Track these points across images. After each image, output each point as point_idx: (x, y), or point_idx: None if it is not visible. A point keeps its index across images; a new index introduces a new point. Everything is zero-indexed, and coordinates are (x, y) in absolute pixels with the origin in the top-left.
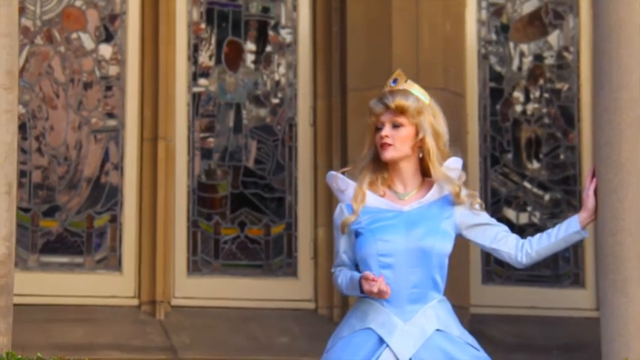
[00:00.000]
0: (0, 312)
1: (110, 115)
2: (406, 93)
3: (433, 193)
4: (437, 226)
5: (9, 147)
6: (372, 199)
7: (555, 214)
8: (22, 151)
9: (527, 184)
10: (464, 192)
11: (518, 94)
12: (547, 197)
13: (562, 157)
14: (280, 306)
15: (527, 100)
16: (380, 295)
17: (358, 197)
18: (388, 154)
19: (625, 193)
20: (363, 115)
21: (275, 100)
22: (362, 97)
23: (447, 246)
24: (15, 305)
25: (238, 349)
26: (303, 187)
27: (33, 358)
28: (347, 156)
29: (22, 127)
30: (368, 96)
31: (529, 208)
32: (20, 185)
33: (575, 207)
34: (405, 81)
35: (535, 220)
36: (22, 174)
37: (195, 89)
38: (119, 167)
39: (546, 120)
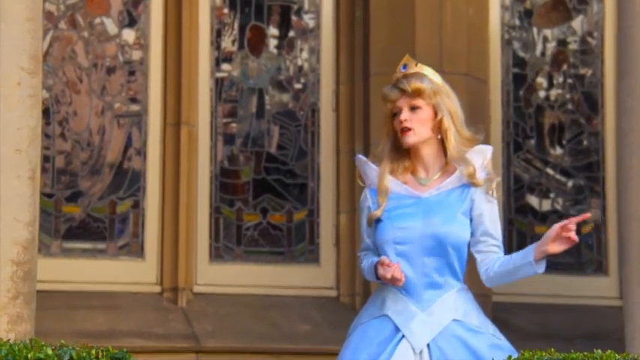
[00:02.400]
0: (23, 298)
1: (133, 100)
2: (420, 75)
3: (454, 179)
4: (454, 213)
5: (33, 132)
6: (394, 186)
7: (578, 200)
8: (46, 136)
9: (550, 171)
10: (482, 174)
11: (541, 80)
12: (570, 184)
13: (585, 143)
14: (302, 293)
15: (551, 85)
16: (393, 282)
17: (382, 192)
18: (410, 139)
19: None
20: (383, 101)
21: (298, 86)
22: (385, 82)
23: (464, 234)
24: (38, 292)
25: (260, 337)
26: (325, 173)
27: (56, 344)
28: (369, 141)
29: (46, 112)
30: (390, 80)
31: (552, 195)
32: (43, 170)
33: (599, 193)
34: (416, 65)
35: (558, 206)
36: (45, 159)
37: (218, 74)
38: (142, 153)
39: (570, 106)
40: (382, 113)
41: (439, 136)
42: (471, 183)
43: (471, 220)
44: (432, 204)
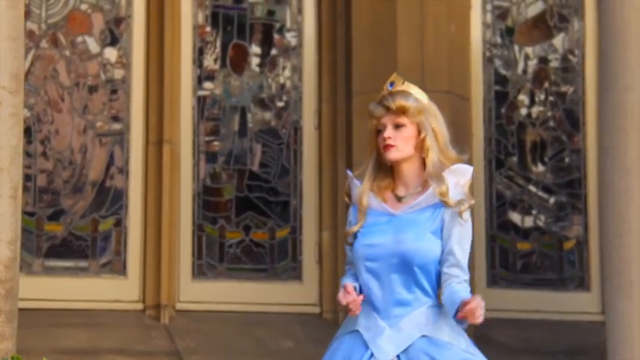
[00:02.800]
0: (5, 316)
1: (115, 119)
2: (406, 94)
3: (427, 197)
4: (424, 231)
5: (14, 150)
6: (373, 203)
7: (560, 217)
8: (27, 154)
9: (532, 188)
10: (455, 194)
11: (523, 97)
12: (552, 200)
13: (567, 160)
14: (285, 310)
15: (533, 103)
16: (347, 310)
17: (361, 209)
18: (392, 155)
19: (630, 196)
20: (368, 118)
21: (280, 104)
22: (367, 101)
23: (432, 252)
24: (20, 310)
25: (243, 353)
26: (308, 190)
27: None
28: (352, 159)
29: (27, 131)
30: (373, 99)
31: (534, 212)
32: (25, 189)
33: (580, 210)
34: (403, 83)
35: (540, 223)
36: (27, 178)
37: (201, 92)
38: (124, 171)
39: (551, 123)
40: (366, 131)
41: (422, 155)
42: (442, 202)
43: (442, 240)
44: (403, 222)
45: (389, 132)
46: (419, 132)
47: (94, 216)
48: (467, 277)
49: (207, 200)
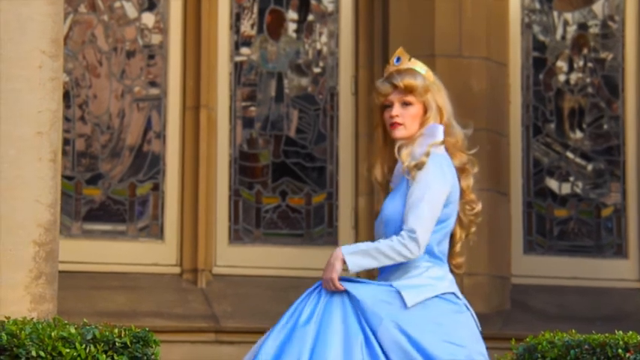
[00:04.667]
0: (46, 278)
1: (153, 84)
2: (413, 72)
3: (400, 166)
4: (396, 196)
5: (54, 115)
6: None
7: (598, 184)
8: (66, 119)
9: (569, 154)
10: (416, 157)
11: (561, 64)
12: (590, 167)
13: (605, 126)
14: (321, 275)
15: (571, 69)
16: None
17: (381, 193)
18: (399, 133)
19: None
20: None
21: (317, 70)
22: None
23: (397, 213)
24: (59, 272)
25: (279, 317)
26: (344, 156)
27: (79, 323)
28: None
29: (66, 96)
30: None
31: (571, 179)
32: (64, 153)
33: (619, 177)
34: (409, 59)
35: (577, 190)
36: (65, 142)
37: (237, 58)
38: (161, 136)
39: (590, 90)
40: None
41: None
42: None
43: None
44: (391, 194)
45: (396, 110)
46: (425, 110)
47: (131, 180)
48: (410, 227)
49: (244, 165)
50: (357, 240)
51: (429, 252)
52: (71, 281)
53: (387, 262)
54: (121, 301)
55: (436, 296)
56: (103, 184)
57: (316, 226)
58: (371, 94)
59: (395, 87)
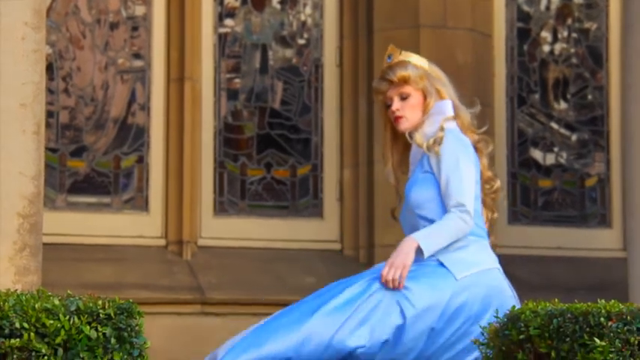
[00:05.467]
0: (30, 250)
1: (136, 56)
2: (404, 63)
3: (415, 150)
4: (416, 179)
5: (37, 87)
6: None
7: (582, 154)
8: (49, 91)
9: (554, 125)
10: (429, 136)
11: (545, 34)
12: (574, 138)
13: (590, 97)
14: (306, 247)
15: (555, 40)
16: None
17: (396, 192)
18: (402, 126)
19: None
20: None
21: (301, 41)
22: (388, 38)
23: (421, 195)
24: (44, 245)
25: (265, 289)
26: (329, 128)
27: (63, 295)
28: (373, 97)
29: (49, 68)
30: (394, 36)
31: (556, 149)
32: (47, 125)
33: (603, 147)
34: (400, 53)
35: (562, 160)
36: (49, 114)
37: (222, 30)
38: (146, 108)
39: (574, 60)
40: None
41: None
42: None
43: (438, 180)
44: (409, 182)
45: (395, 104)
46: (425, 97)
47: (116, 152)
48: (457, 201)
49: (229, 137)
50: (341, 211)
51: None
52: (56, 253)
53: (453, 240)
54: (106, 273)
55: (482, 271)
56: (87, 156)
57: (301, 198)
58: (356, 66)
59: (390, 82)
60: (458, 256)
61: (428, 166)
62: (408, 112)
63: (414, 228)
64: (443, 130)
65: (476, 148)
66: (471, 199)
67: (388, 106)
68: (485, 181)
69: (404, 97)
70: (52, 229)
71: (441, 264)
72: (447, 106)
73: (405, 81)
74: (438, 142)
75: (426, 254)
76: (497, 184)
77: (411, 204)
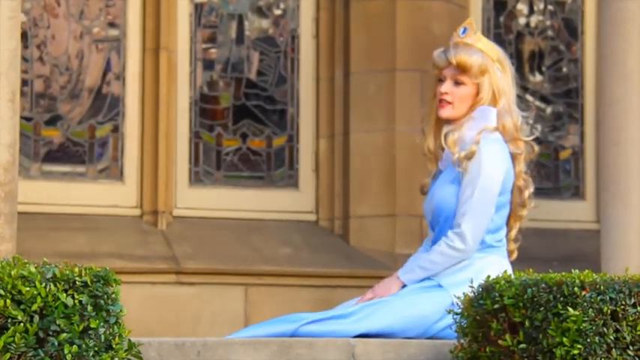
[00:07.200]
0: (5, 218)
1: (112, 25)
2: (471, 49)
3: (447, 156)
4: (445, 181)
5: (12, 54)
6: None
7: (557, 126)
8: (24, 59)
9: (529, 97)
10: (466, 143)
11: (521, 7)
12: (549, 110)
13: (565, 69)
14: (282, 217)
15: (531, 12)
16: None
17: (429, 159)
18: (444, 113)
19: (629, 103)
20: (366, 26)
21: (277, 12)
22: (365, 8)
23: (447, 200)
24: (18, 213)
25: (240, 260)
26: (305, 99)
27: (39, 263)
28: (349, 67)
29: (24, 36)
30: (371, 7)
31: (531, 121)
32: (22, 94)
33: (577, 120)
34: (475, 32)
35: (537, 133)
36: (23, 83)
37: (198, 0)
38: (121, 77)
39: (550, 32)
40: (364, 38)
41: None
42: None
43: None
44: (439, 178)
45: (447, 86)
46: (477, 92)
47: (90, 122)
48: (457, 221)
49: (204, 108)
50: (317, 183)
51: (482, 242)
52: (30, 222)
53: (442, 267)
54: (81, 243)
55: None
56: (62, 125)
57: (277, 169)
58: (332, 37)
59: (449, 62)
60: (457, 278)
61: (456, 173)
62: (456, 101)
63: (435, 219)
64: (477, 144)
65: (516, 156)
66: (474, 227)
67: (440, 80)
68: (516, 190)
69: (458, 83)
70: (27, 198)
71: (439, 285)
72: (491, 113)
73: (463, 69)
74: (469, 156)
75: (408, 284)
76: (528, 191)
77: (434, 200)
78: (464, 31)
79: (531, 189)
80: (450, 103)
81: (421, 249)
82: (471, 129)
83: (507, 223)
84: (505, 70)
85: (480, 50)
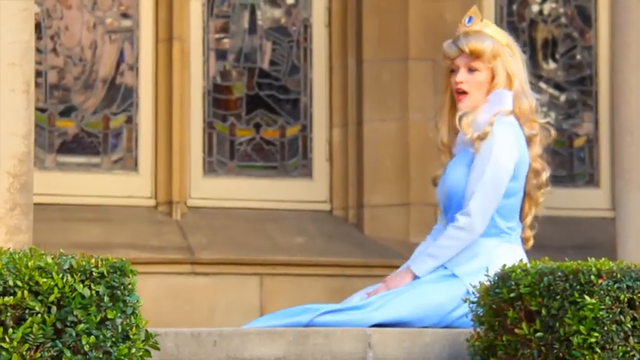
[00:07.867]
0: (20, 210)
1: (125, 16)
2: (481, 35)
3: (460, 140)
4: (459, 163)
5: (27, 45)
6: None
7: (571, 114)
8: (38, 51)
9: (543, 85)
10: (480, 125)
11: None
12: (563, 98)
13: (578, 57)
14: (296, 207)
15: (544, 0)
16: None
17: (442, 151)
18: (464, 105)
19: None
20: (378, 14)
21: (290, 1)
22: None
23: (458, 181)
24: (33, 204)
25: (255, 249)
26: (318, 88)
27: (55, 254)
28: (362, 56)
29: (37, 27)
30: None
31: (545, 109)
32: (36, 85)
33: (591, 107)
34: (481, 20)
35: (551, 120)
36: (37, 74)
37: None
38: (134, 68)
39: (563, 20)
40: (376, 27)
41: None
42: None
43: None
44: (453, 161)
45: (462, 75)
46: (492, 77)
47: (105, 112)
48: (467, 203)
49: (217, 98)
50: (331, 172)
51: (495, 227)
52: (45, 213)
53: (452, 252)
54: (96, 234)
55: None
56: (76, 116)
57: (290, 159)
58: (345, 26)
59: (461, 51)
60: (471, 267)
61: (470, 155)
62: (472, 89)
63: (448, 202)
64: (492, 124)
65: (531, 139)
66: (482, 209)
67: (452, 71)
68: (530, 171)
69: (472, 70)
70: (41, 189)
71: (453, 274)
72: (506, 97)
73: (476, 55)
74: (482, 137)
75: (421, 275)
76: (544, 176)
77: (447, 183)
78: (469, 20)
79: (548, 172)
80: (466, 92)
81: (429, 237)
82: (485, 112)
83: (522, 209)
84: (515, 53)
85: (490, 36)
